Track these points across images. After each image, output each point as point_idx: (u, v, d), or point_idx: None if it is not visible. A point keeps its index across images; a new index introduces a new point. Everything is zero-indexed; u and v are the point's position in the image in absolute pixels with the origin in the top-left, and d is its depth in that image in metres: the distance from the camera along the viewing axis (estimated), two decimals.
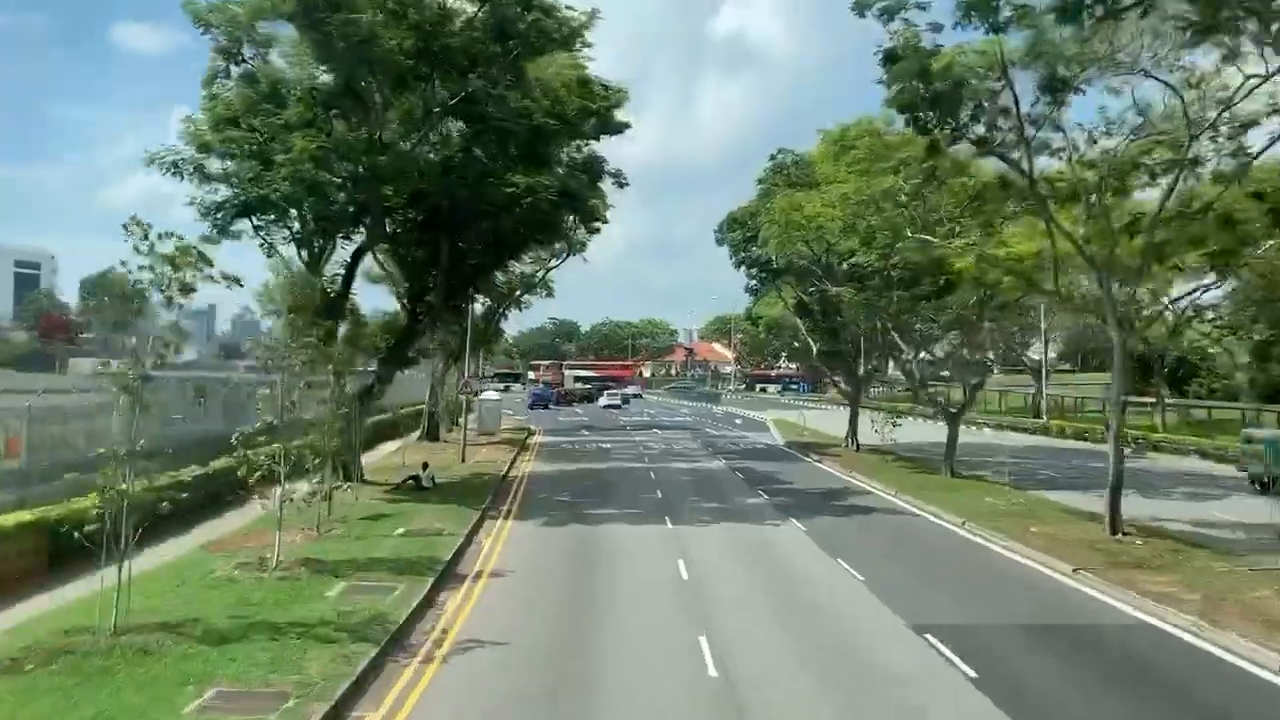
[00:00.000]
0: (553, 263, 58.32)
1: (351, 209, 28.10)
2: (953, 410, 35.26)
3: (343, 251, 31.37)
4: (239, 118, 26.33)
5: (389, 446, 42.66)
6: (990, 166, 26.20)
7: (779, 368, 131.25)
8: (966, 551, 22.18)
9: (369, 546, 20.39)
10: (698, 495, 30.72)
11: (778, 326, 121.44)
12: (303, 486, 20.21)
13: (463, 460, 39.21)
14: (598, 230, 50.71)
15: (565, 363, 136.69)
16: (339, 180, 26.45)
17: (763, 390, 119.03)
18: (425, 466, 30.26)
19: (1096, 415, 66.75)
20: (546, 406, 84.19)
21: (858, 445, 44.86)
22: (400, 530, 22.58)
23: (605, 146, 41.78)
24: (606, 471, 37.63)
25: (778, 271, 44.12)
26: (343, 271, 30.45)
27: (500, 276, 60.06)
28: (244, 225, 27.85)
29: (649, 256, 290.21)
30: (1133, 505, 27.30)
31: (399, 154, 26.14)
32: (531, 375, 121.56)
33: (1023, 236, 26.18)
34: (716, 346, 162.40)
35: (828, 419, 62.92)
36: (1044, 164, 24.41)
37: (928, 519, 26.73)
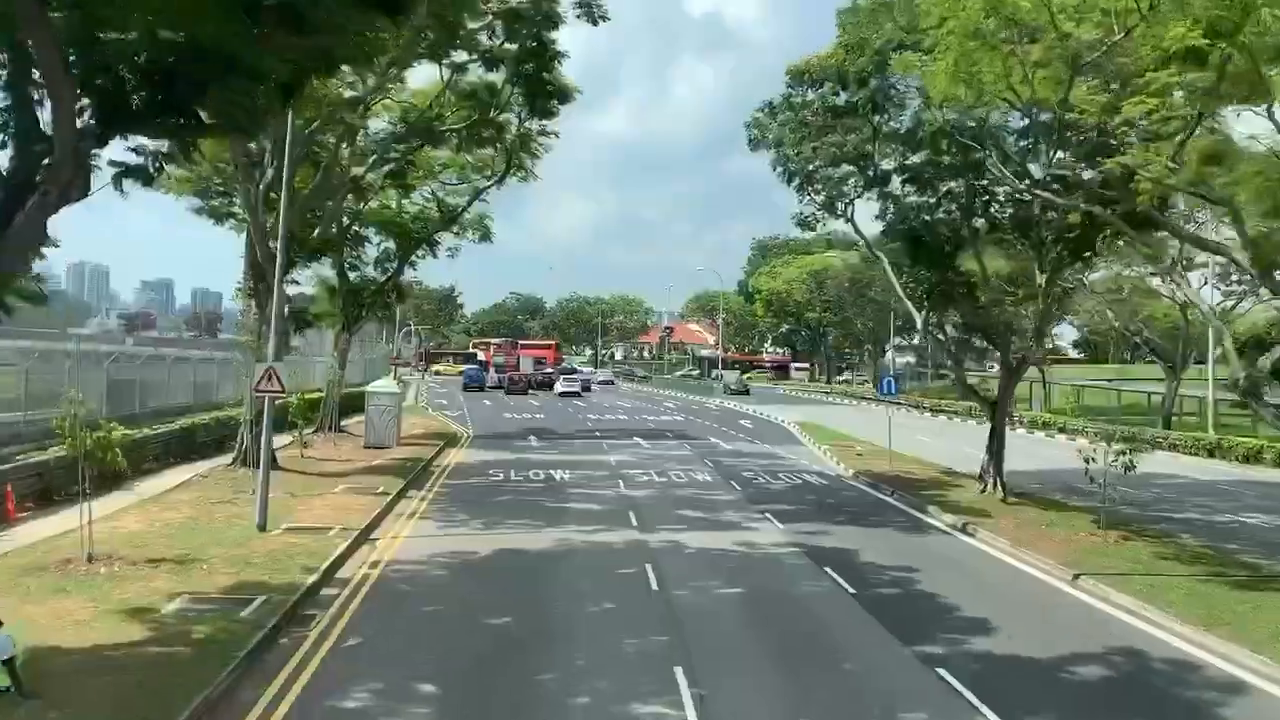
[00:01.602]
0: (486, 185, 38.74)
1: None
2: None
3: None
4: None
5: (151, 485, 22.43)
6: None
7: (778, 353, 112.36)
8: None
9: None
10: (788, 699, 11.17)
11: (780, 302, 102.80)
12: None
13: (261, 527, 19.25)
14: (553, 115, 31.02)
15: (522, 342, 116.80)
16: None
17: (718, 377, 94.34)
18: None
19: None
20: (482, 389, 77.80)
21: (1003, 486, 25.58)
22: None
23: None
24: (551, 563, 17.95)
25: (877, 177, 24.09)
26: None
27: (397, 173, 40.00)
28: None
29: (619, 239, 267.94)
30: None
31: None
32: (480, 356, 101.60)
33: None
34: (693, 327, 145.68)
35: (874, 425, 43.58)
36: None
37: None
